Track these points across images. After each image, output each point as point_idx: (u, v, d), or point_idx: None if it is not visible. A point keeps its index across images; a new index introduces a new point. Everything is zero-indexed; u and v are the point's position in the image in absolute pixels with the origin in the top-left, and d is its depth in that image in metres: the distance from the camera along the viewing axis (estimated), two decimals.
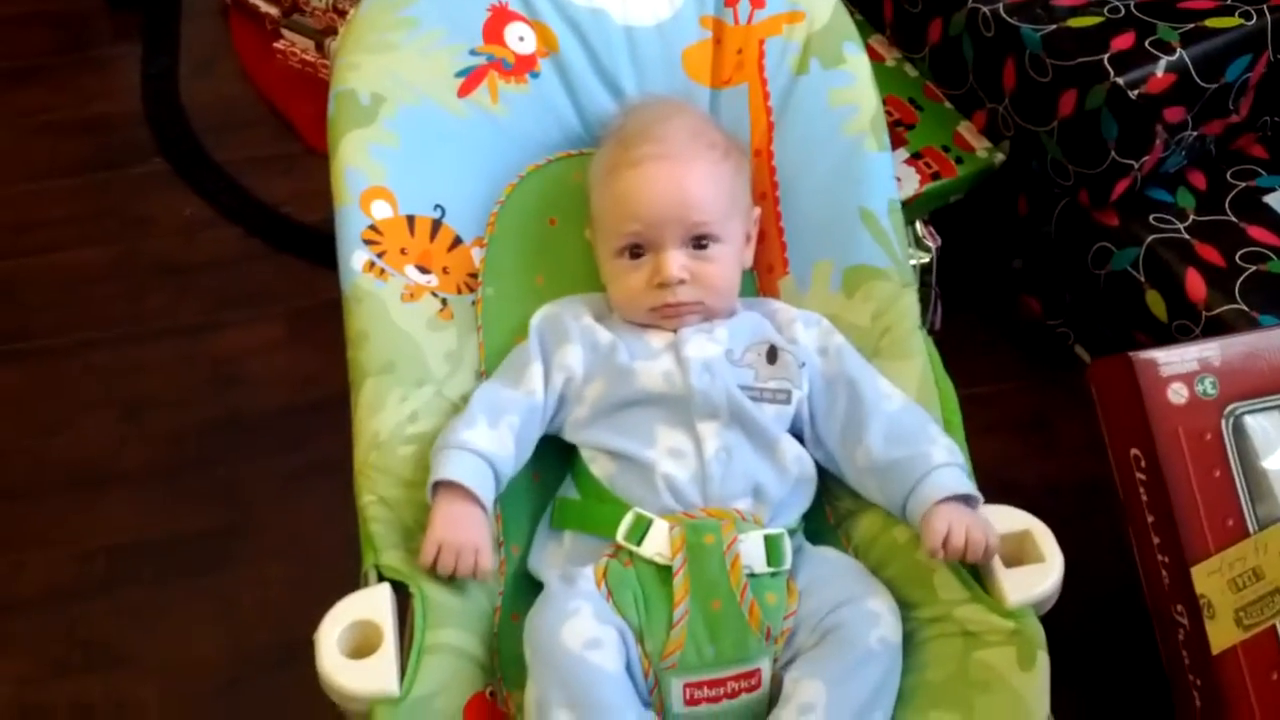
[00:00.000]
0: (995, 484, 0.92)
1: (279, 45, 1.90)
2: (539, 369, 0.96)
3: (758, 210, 1.05)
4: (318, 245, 1.45)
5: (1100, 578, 1.02)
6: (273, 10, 1.93)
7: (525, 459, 0.95)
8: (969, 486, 0.90)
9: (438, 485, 0.88)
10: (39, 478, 1.38)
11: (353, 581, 0.86)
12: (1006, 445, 1.33)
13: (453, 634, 0.86)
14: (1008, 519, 0.90)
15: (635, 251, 0.97)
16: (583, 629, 0.83)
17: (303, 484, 1.31)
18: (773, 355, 0.97)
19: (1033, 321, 1.50)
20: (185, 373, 1.47)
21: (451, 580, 0.88)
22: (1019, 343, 1.51)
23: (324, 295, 1.04)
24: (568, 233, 1.06)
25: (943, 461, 0.91)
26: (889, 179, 1.06)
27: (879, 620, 0.86)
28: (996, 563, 0.87)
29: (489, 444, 0.90)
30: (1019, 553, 0.89)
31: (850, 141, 1.06)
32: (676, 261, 0.95)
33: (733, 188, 1.00)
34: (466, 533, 0.87)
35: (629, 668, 0.85)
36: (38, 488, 1.37)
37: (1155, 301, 1.30)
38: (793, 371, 0.97)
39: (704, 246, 0.97)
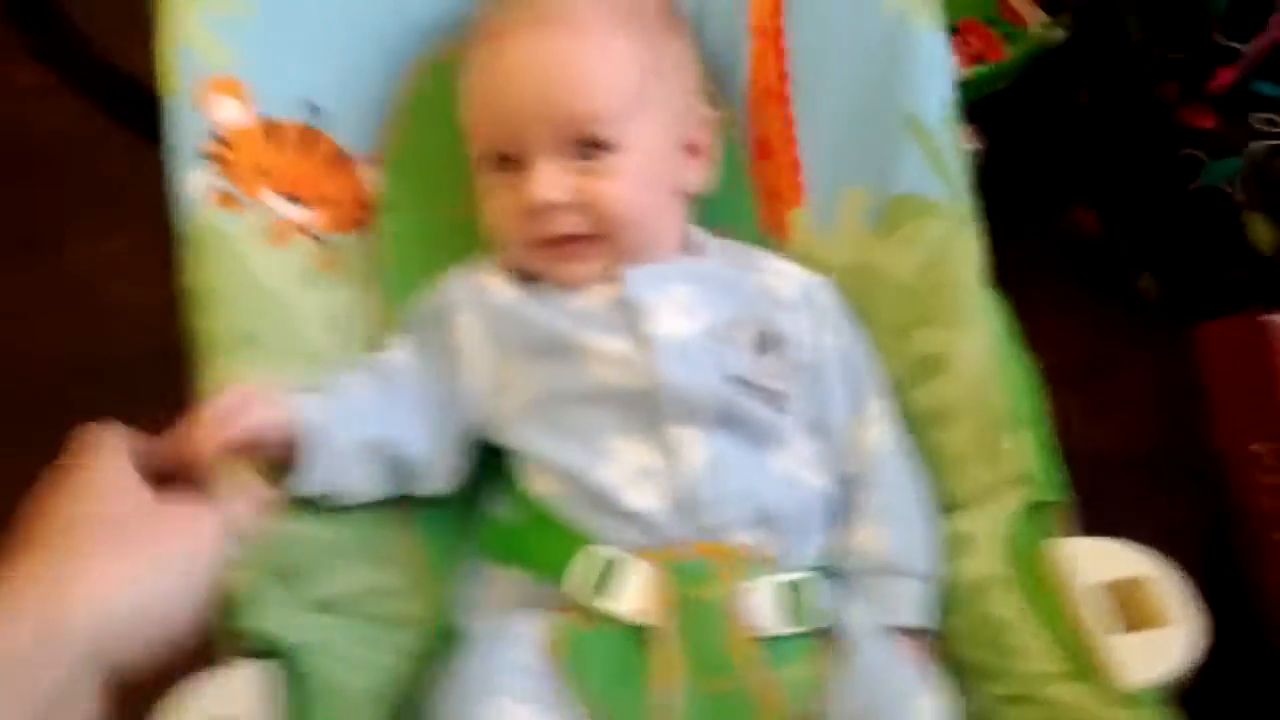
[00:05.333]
0: None
1: None
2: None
3: (714, 112, 0.79)
4: None
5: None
6: None
7: (448, 460, 0.72)
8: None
9: None
10: None
11: None
12: (1057, 401, 1.11)
13: None
14: (1107, 561, 0.67)
15: (504, 163, 0.72)
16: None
17: None
18: (762, 344, 0.71)
19: (1087, 241, 1.29)
20: None
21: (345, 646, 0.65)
22: (1069, 267, 1.29)
23: None
24: None
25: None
26: (944, 71, 0.79)
27: None
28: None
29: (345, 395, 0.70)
30: (1128, 609, 0.67)
31: (892, 18, 0.79)
32: (546, 177, 0.69)
33: (648, 70, 0.72)
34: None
35: None
36: None
37: (1259, 228, 1.09)
38: (792, 374, 0.72)
39: (595, 156, 0.70)
